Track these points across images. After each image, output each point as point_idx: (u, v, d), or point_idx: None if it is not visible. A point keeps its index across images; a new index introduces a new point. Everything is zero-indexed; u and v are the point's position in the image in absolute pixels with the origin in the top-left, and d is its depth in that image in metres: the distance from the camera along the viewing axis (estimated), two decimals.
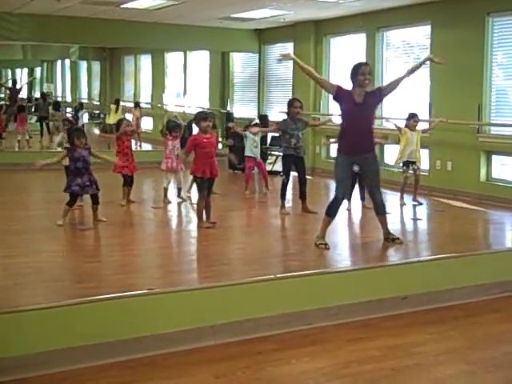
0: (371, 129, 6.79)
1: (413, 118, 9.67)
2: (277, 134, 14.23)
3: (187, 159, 8.41)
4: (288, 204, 8.91)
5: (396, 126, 9.82)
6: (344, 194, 6.82)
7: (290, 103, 8.85)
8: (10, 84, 24.60)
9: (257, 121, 11.43)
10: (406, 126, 9.61)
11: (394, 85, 6.86)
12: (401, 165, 9.79)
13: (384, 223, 7.01)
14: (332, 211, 6.76)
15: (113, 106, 18.77)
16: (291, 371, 4.25)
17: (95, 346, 4.32)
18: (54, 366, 4.15)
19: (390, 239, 6.94)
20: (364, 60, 12.59)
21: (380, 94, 6.81)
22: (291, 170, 8.76)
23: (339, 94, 6.65)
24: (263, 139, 13.66)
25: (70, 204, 7.69)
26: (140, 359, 4.35)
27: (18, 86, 23.56)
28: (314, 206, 8.79)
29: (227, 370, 4.20)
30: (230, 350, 4.56)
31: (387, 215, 7.01)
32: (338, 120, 7.13)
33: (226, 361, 4.38)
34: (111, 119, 18.26)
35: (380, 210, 6.97)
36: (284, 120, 8.86)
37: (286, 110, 8.93)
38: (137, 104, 19.14)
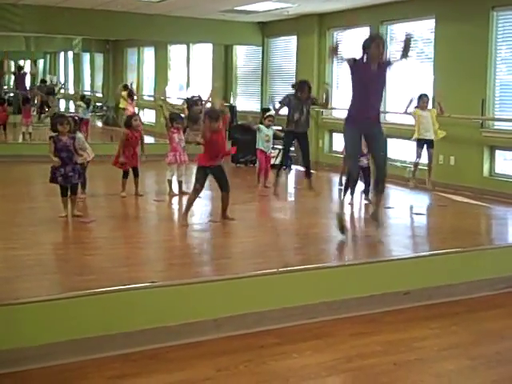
0: (381, 99, 6.87)
1: (421, 99, 9.79)
2: (280, 128, 14.29)
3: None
4: (291, 198, 8.88)
5: (406, 111, 9.90)
6: (357, 168, 6.87)
7: (300, 86, 8.67)
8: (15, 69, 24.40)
9: (272, 112, 11.36)
10: (417, 107, 9.81)
11: (395, 63, 6.88)
12: (415, 144, 9.87)
13: (378, 204, 7.03)
14: (351, 189, 6.81)
15: (124, 93, 18.55)
16: (293, 365, 4.25)
17: (97, 338, 4.32)
18: (56, 359, 4.15)
19: (374, 219, 6.99)
20: None
21: (388, 65, 6.76)
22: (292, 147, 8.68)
23: (356, 65, 6.56)
24: None
25: (63, 194, 7.67)
26: (142, 352, 4.35)
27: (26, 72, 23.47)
28: (318, 199, 8.79)
29: (229, 364, 4.20)
30: (232, 344, 4.56)
31: (389, 209, 7.00)
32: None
33: (228, 354, 4.38)
34: (122, 104, 18.25)
35: (380, 187, 6.90)
36: (287, 95, 8.72)
37: (294, 91, 8.74)
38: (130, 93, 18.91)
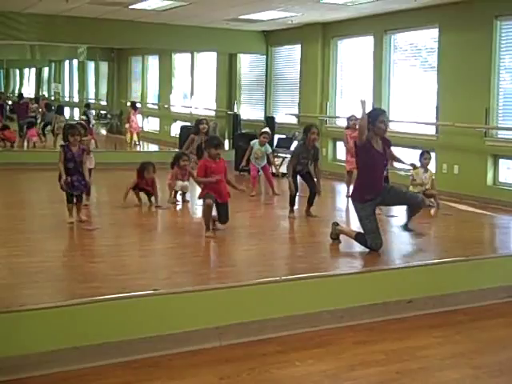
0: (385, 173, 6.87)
1: (423, 156, 9.67)
2: (283, 136, 14.30)
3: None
4: (295, 206, 8.86)
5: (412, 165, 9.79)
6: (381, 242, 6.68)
7: (308, 129, 8.56)
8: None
9: (267, 129, 11.31)
10: (420, 164, 9.65)
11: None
12: None
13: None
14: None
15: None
16: (295, 373, 4.24)
17: (99, 345, 4.32)
18: (58, 366, 4.16)
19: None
20: (371, 62, 12.62)
21: (389, 144, 6.77)
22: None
23: (366, 145, 6.58)
24: (269, 142, 13.70)
25: (69, 201, 7.71)
26: (144, 360, 4.35)
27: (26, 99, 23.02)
28: (321, 208, 8.79)
29: (232, 372, 4.20)
30: (234, 352, 4.56)
31: (393, 218, 6.98)
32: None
33: (230, 362, 4.38)
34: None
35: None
36: (300, 145, 8.66)
37: (303, 136, 8.65)
38: (133, 105, 19.05)
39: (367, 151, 6.54)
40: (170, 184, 9.48)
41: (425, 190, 9.65)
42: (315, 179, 8.54)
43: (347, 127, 10.55)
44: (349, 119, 10.52)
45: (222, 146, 7.65)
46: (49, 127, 17.96)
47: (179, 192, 9.59)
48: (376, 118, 6.55)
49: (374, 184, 6.60)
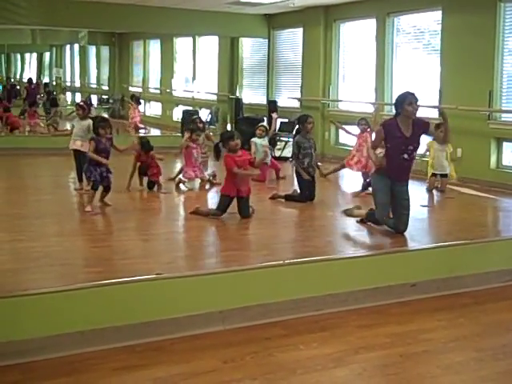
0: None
1: (439, 129, 9.47)
2: (286, 120, 14.23)
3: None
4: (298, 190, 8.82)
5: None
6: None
7: (304, 119, 8.53)
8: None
9: (263, 123, 11.02)
10: (433, 137, 9.52)
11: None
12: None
13: None
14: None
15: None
16: (299, 357, 4.24)
17: (103, 330, 4.32)
18: (62, 350, 4.16)
19: None
20: (374, 46, 12.55)
21: (425, 128, 6.66)
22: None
23: (386, 131, 6.58)
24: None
25: (95, 188, 7.68)
26: (148, 344, 4.35)
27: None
28: (323, 192, 8.77)
29: (236, 355, 4.20)
30: (238, 336, 4.56)
31: None
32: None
33: (234, 346, 4.38)
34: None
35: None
36: (299, 137, 8.56)
37: (299, 127, 8.61)
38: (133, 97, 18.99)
39: (393, 136, 6.53)
40: (184, 177, 9.38)
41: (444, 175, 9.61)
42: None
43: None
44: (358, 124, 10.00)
45: (237, 135, 7.55)
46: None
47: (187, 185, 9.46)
48: (403, 101, 6.50)
49: (391, 165, 6.57)
